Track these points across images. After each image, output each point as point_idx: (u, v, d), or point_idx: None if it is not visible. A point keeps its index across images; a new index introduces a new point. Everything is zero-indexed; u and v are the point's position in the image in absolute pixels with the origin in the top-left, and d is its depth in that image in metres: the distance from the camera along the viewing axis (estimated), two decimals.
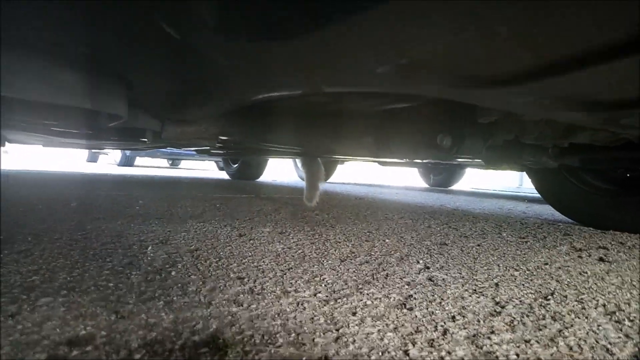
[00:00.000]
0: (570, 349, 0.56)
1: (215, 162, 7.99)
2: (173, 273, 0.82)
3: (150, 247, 1.03)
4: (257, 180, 5.05)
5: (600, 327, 0.64)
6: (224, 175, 5.85)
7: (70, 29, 0.57)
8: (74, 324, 0.56)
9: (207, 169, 10.14)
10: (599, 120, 0.77)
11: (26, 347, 0.48)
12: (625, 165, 1.74)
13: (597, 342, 0.58)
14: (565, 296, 0.80)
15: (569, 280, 0.92)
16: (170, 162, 11.08)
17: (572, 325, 0.64)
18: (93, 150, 9.31)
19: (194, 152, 4.60)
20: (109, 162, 9.88)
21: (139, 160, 9.43)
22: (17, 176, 3.45)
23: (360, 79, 0.61)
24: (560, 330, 0.62)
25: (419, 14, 0.40)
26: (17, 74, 0.55)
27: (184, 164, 11.55)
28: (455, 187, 6.05)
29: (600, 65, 0.48)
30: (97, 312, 0.60)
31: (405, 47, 0.48)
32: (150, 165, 10.17)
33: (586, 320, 0.67)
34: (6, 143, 3.49)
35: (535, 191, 2.21)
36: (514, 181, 7.52)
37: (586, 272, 1.00)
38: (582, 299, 0.78)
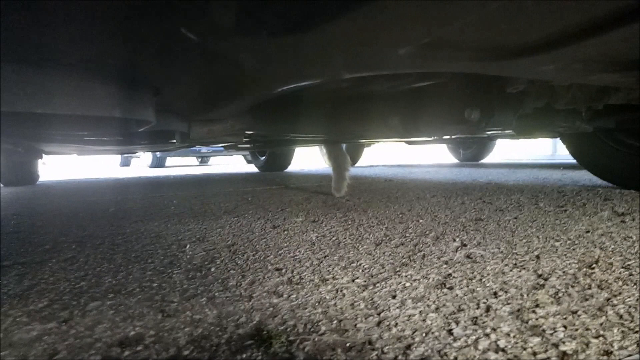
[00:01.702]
0: (621, 317, 0.54)
1: (243, 155, 8.07)
2: (212, 269, 0.84)
3: (188, 246, 1.06)
4: (286, 170, 5.08)
5: None
6: (252, 168, 5.91)
7: (97, 44, 0.58)
8: (123, 325, 0.58)
9: (235, 163, 10.26)
10: (635, 79, 0.73)
11: (80, 350, 0.50)
12: None
13: None
14: (611, 263, 0.77)
15: (613, 247, 0.89)
16: (199, 159, 11.26)
17: (620, 293, 0.62)
18: (125, 155, 9.56)
19: (222, 148, 4.65)
20: (141, 165, 10.12)
21: (169, 161, 9.64)
22: (56, 186, 3.58)
23: (383, 61, 0.60)
24: (608, 299, 0.60)
25: None
26: (50, 92, 0.57)
27: (212, 160, 11.72)
28: (487, 160, 5.92)
29: (630, 25, 0.45)
30: (144, 313, 0.62)
31: (428, 26, 0.47)
32: (181, 165, 10.37)
33: (635, 286, 0.65)
34: (43, 155, 3.63)
35: (570, 157, 2.14)
36: (547, 149, 7.30)
37: (631, 237, 0.96)
38: (629, 265, 0.76)
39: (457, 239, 1.02)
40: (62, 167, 8.56)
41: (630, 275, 0.70)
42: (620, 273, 0.72)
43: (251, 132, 1.36)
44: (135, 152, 5.59)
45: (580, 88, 1.17)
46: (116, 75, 0.66)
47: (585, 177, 2.52)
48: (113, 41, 0.57)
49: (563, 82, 0.93)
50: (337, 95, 1.20)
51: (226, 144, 3.23)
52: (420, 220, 1.29)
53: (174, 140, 1.17)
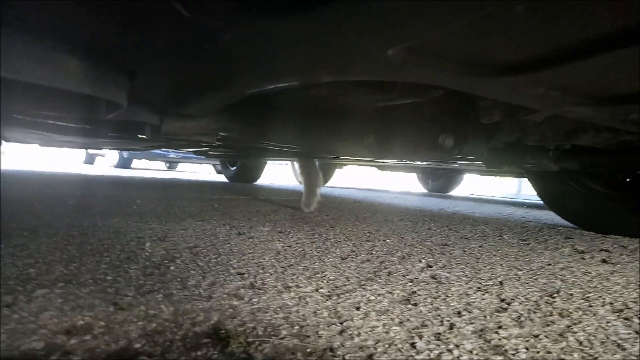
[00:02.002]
0: (581, 343, 0.54)
1: (213, 165, 7.97)
2: (172, 268, 0.81)
3: (148, 243, 1.02)
4: (255, 183, 5.03)
5: (609, 324, 0.62)
6: (222, 178, 5.83)
7: (74, 14, 0.56)
8: (72, 314, 0.54)
9: (204, 172, 10.10)
10: (606, 116, 0.76)
11: (23, 336, 0.46)
12: (625, 169, 1.74)
13: (607, 337, 0.57)
14: (571, 294, 0.78)
15: (573, 279, 0.91)
16: (167, 164, 11.04)
17: (580, 322, 0.63)
18: (90, 152, 9.26)
19: (192, 155, 4.58)
20: (106, 164, 9.84)
21: (136, 163, 9.40)
22: (14, 175, 3.42)
23: (371, 64, 0.59)
24: (568, 326, 0.61)
25: None
26: (18, 56, 0.54)
27: (181, 167, 11.51)
28: (454, 192, 6.04)
29: (611, 54, 0.47)
30: (95, 304, 0.58)
31: (412, 27, 0.47)
32: (147, 168, 10.14)
33: (594, 317, 0.66)
34: (2, 142, 3.47)
35: (535, 197, 2.21)
36: (512, 187, 7.51)
37: (590, 273, 0.98)
38: (588, 297, 0.77)
39: (423, 260, 1.02)
40: (22, 157, 8.22)
41: (589, 307, 0.71)
42: (580, 304, 0.73)
43: (224, 135, 1.34)
44: (101, 148, 5.42)
45: (550, 125, 1.21)
46: (91, 49, 0.63)
47: (548, 216, 2.59)
48: (92, 12, 0.54)
49: (540, 110, 0.96)
50: (315, 105, 1.19)
51: (197, 149, 3.17)
52: (388, 240, 1.29)
53: (144, 135, 1.13)
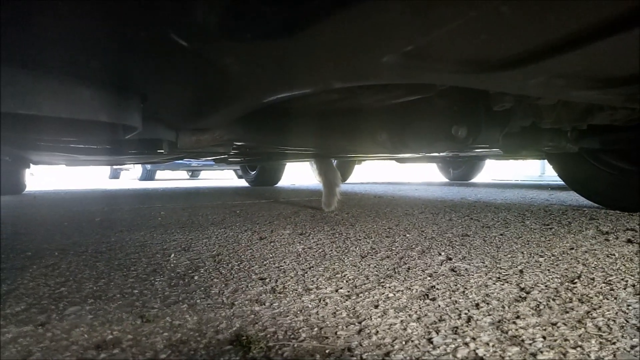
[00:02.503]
0: (599, 329, 0.54)
1: (234, 170, 8.06)
2: (196, 277, 0.84)
3: (172, 255, 1.05)
4: (276, 185, 5.08)
5: (629, 307, 0.62)
6: (243, 183, 5.90)
7: (83, 46, 0.59)
8: (101, 329, 0.57)
9: (226, 177, 10.24)
10: (615, 98, 0.75)
11: (55, 353, 0.49)
12: None
13: (627, 321, 0.57)
14: (593, 279, 0.78)
15: (596, 263, 0.90)
16: (189, 173, 11.22)
17: (600, 307, 0.63)
18: (115, 167, 9.50)
19: (212, 162, 4.65)
20: (130, 177, 10.06)
21: (159, 174, 9.58)
22: (43, 196, 3.54)
23: (369, 70, 0.61)
24: (588, 312, 0.61)
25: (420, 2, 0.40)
26: (33, 93, 0.57)
27: (203, 174, 11.68)
28: (476, 179, 5.97)
29: (609, 39, 0.47)
30: (123, 318, 0.61)
31: (409, 34, 0.48)
32: (171, 178, 10.32)
33: (615, 300, 0.65)
34: (31, 165, 3.59)
35: (558, 178, 2.17)
36: (535, 170, 7.37)
37: (614, 254, 0.97)
38: (610, 280, 0.77)
39: (443, 253, 1.02)
40: (50, 177, 8.48)
41: (611, 290, 0.71)
42: (601, 288, 0.72)
43: (240, 144, 1.36)
44: (124, 164, 5.55)
45: (565, 107, 1.19)
46: (103, 78, 0.66)
47: (572, 197, 2.55)
48: (100, 44, 0.57)
49: (547, 98, 0.95)
50: (325, 108, 1.21)
51: (216, 157, 3.23)
52: (407, 235, 1.29)
53: (162, 150, 1.17)
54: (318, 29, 0.47)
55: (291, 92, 0.74)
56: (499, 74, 0.60)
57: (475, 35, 0.48)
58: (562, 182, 2.15)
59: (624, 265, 0.87)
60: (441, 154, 2.95)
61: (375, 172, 9.05)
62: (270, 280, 0.81)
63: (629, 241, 1.13)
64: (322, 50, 0.54)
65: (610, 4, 0.44)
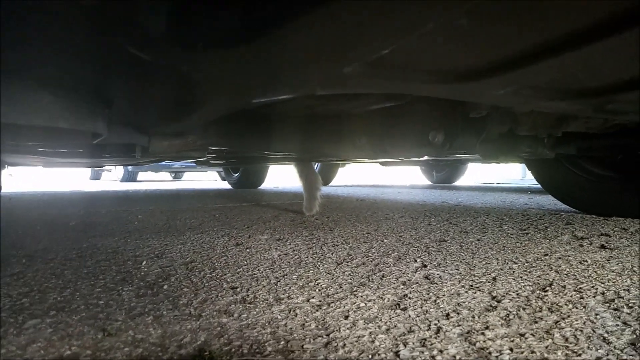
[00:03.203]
0: (566, 340, 0.54)
1: (217, 172, 8.00)
2: (165, 287, 0.82)
3: (144, 262, 1.02)
4: (259, 187, 5.05)
5: (597, 316, 0.62)
6: (226, 185, 5.85)
7: (41, 51, 0.57)
8: (59, 344, 0.55)
9: (209, 179, 10.15)
10: (585, 108, 0.75)
11: None
12: (622, 151, 1.72)
13: (593, 331, 0.57)
14: (564, 286, 0.78)
15: (568, 270, 0.90)
16: (172, 175, 11.10)
17: (569, 316, 0.63)
18: (95, 169, 9.35)
19: (195, 164, 4.61)
20: (112, 179, 9.91)
21: (141, 176, 9.47)
22: (19, 198, 3.46)
23: (331, 80, 0.60)
24: (556, 322, 0.60)
25: (374, 12, 0.39)
26: None
27: (186, 176, 11.57)
28: (459, 182, 6.02)
29: (571, 52, 0.47)
30: (85, 331, 0.59)
31: (368, 44, 0.47)
32: (153, 180, 10.20)
33: (584, 309, 0.65)
34: (7, 166, 3.51)
35: None
36: (517, 173, 7.47)
37: (586, 261, 0.98)
38: (580, 288, 0.77)
39: (419, 260, 1.02)
40: (29, 178, 8.30)
41: (580, 299, 0.71)
42: (571, 296, 0.72)
43: (215, 148, 1.35)
44: (103, 166, 5.46)
45: (540, 115, 1.20)
46: (62, 84, 0.64)
47: (551, 202, 2.58)
48: (56, 51, 0.55)
49: (518, 107, 0.96)
50: (304, 113, 1.20)
51: (198, 160, 3.19)
52: (385, 240, 1.29)
53: (135, 154, 1.15)
54: (270, 38, 0.45)
55: (257, 99, 0.72)
56: (466, 85, 0.59)
57: (437, 46, 0.48)
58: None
59: (595, 272, 0.88)
60: (422, 158, 2.97)
61: (359, 175, 9.07)
62: (241, 290, 0.79)
63: (602, 247, 1.14)
64: (278, 59, 0.53)
65: (575, 17, 0.44)
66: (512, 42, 0.47)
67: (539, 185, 2.66)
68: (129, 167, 7.78)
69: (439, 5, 0.38)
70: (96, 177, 10.42)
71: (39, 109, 0.60)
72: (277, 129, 1.29)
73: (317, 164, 4.81)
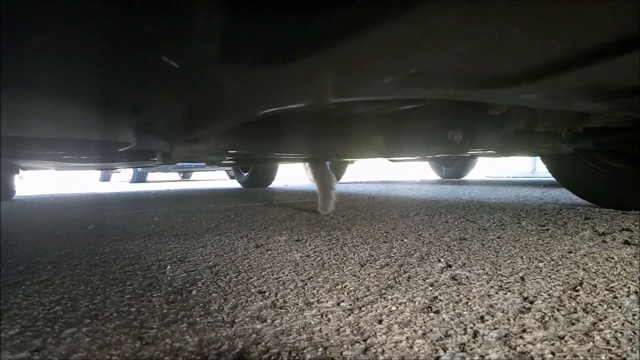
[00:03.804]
0: (608, 342, 0.54)
1: (226, 171, 8.03)
2: (194, 292, 0.82)
3: (169, 267, 1.03)
4: (269, 186, 5.05)
5: (635, 317, 0.62)
6: (235, 183, 5.87)
7: (75, 67, 0.57)
8: (100, 354, 0.55)
9: (218, 178, 10.18)
10: (615, 107, 0.74)
11: None
12: None
13: (634, 333, 0.56)
14: (595, 285, 0.77)
15: (596, 268, 0.90)
16: (181, 175, 11.15)
17: (605, 317, 0.62)
18: (105, 170, 9.40)
19: (204, 164, 4.62)
20: (121, 180, 9.97)
21: (150, 176, 9.51)
22: (33, 202, 3.49)
23: (368, 89, 0.60)
24: (594, 323, 0.60)
25: (427, 28, 0.39)
26: (25, 115, 0.55)
27: (195, 175, 11.61)
28: (468, 177, 6.00)
29: (610, 59, 0.46)
30: (122, 340, 0.60)
31: (413, 58, 0.47)
32: (162, 180, 10.25)
33: (619, 310, 0.65)
34: (20, 170, 3.54)
35: (549, 175, 2.18)
36: (527, 166, 7.42)
37: (613, 258, 0.97)
38: (612, 287, 0.76)
39: (442, 260, 1.01)
40: (40, 181, 8.37)
41: (614, 298, 0.70)
42: (604, 296, 0.72)
43: (234, 152, 1.35)
44: (115, 168, 5.50)
45: (561, 112, 1.19)
46: (94, 97, 0.64)
47: (565, 195, 2.56)
48: (90, 66, 0.55)
49: (548, 107, 0.95)
50: (320, 115, 1.20)
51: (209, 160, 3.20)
52: (405, 240, 1.29)
53: (156, 159, 1.15)
54: (320, 55, 0.45)
55: (287, 106, 0.73)
56: (500, 90, 0.59)
57: (478, 58, 0.47)
58: (553, 179, 2.16)
59: (624, 269, 0.87)
60: (438, 155, 2.96)
61: (368, 171, 9.06)
62: (270, 294, 0.79)
63: (626, 242, 1.13)
64: (322, 73, 0.53)
65: (610, 30, 0.43)
66: (550, 51, 0.47)
67: (550, 178, 2.63)
68: (139, 169, 7.82)
69: (491, 20, 0.37)
70: (106, 178, 10.50)
71: (71, 123, 0.61)
72: (294, 132, 1.29)
73: (327, 162, 4.80)
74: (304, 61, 0.47)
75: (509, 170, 7.30)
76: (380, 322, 0.64)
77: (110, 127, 0.67)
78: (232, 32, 0.45)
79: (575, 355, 0.51)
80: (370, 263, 1.01)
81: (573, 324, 0.60)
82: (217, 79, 0.57)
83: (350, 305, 0.72)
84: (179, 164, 6.55)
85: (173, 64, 0.50)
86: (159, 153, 1.13)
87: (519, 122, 1.24)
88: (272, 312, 0.70)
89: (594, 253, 1.03)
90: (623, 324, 0.60)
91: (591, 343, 0.54)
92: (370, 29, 0.38)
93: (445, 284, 0.82)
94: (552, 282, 0.81)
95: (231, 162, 2.82)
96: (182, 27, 0.43)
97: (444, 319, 0.64)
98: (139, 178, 8.44)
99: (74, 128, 0.61)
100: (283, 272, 0.95)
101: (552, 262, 0.95)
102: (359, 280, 0.87)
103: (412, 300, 0.73)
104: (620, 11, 0.39)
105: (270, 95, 0.66)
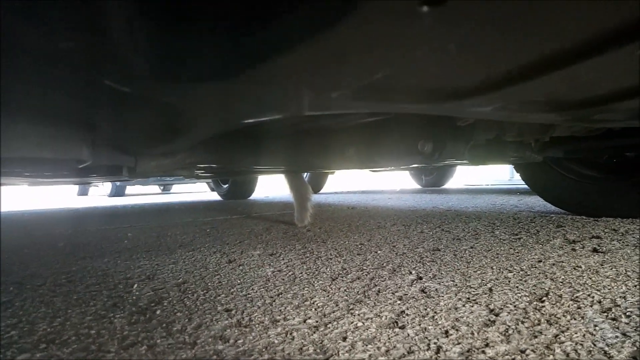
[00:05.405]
0: (567, 355, 0.54)
1: (207, 183, 7.96)
2: (158, 312, 0.80)
3: (135, 285, 1.00)
4: (250, 198, 5.02)
5: (596, 328, 0.62)
6: (215, 196, 5.81)
7: (22, 85, 0.55)
8: None
9: (199, 190, 10.08)
10: (571, 119, 0.76)
11: None
12: (609, 152, 1.74)
13: (594, 344, 0.56)
14: (560, 295, 0.78)
15: (563, 277, 0.90)
16: (161, 187, 11.01)
17: (568, 329, 0.62)
18: (82, 185, 9.23)
19: (183, 177, 4.57)
20: (99, 193, 9.79)
21: (130, 189, 9.37)
22: (4, 218, 3.40)
23: (317, 105, 0.59)
24: (556, 335, 0.60)
25: (367, 40, 0.39)
26: None
27: (175, 188, 11.49)
28: (448, 185, 6.05)
29: (557, 71, 0.47)
30: None
31: (356, 74, 0.46)
32: (142, 193, 10.10)
33: (582, 321, 0.65)
34: None
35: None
36: (505, 174, 7.53)
37: (580, 267, 0.98)
38: (577, 297, 0.77)
39: (414, 271, 1.01)
40: (14, 196, 8.17)
41: (578, 309, 0.71)
42: (569, 306, 0.72)
43: (204, 165, 1.33)
44: (91, 183, 5.40)
45: (527, 122, 1.21)
46: (43, 114, 0.63)
47: (540, 202, 2.60)
48: (35, 85, 0.54)
49: (505, 119, 0.96)
50: (291, 128, 1.19)
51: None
52: (379, 251, 1.28)
53: (122, 175, 1.13)
54: (258, 70, 0.45)
55: (246, 120, 0.72)
56: (452, 103, 0.59)
57: (425, 70, 0.47)
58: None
59: (590, 278, 0.88)
60: (411, 166, 2.98)
61: (349, 181, 9.08)
62: (236, 312, 0.78)
63: (595, 250, 1.15)
64: (265, 89, 0.53)
65: (562, 38, 0.44)
66: (499, 64, 0.47)
67: (526, 186, 2.68)
68: (117, 182, 7.69)
69: (429, 34, 0.37)
70: (84, 192, 10.31)
71: (22, 141, 0.59)
72: (265, 144, 1.28)
73: (306, 173, 4.80)
74: (243, 77, 0.46)
75: (488, 178, 7.40)
76: (344, 339, 0.63)
77: (60, 144, 0.65)
78: (163, 47, 0.44)
79: None
80: (342, 277, 1.00)
81: (535, 337, 0.60)
82: (159, 96, 0.57)
83: (317, 322, 0.71)
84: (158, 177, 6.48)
85: (109, 83, 0.49)
86: (124, 168, 1.11)
87: (488, 132, 1.26)
88: (236, 331, 0.68)
89: (562, 262, 1.04)
90: (584, 335, 0.60)
91: (551, 356, 0.54)
92: (306, 42, 0.38)
93: (414, 297, 0.82)
94: (519, 292, 0.81)
95: (206, 174, 2.80)
96: (104, 43, 0.42)
97: (408, 335, 0.64)
98: (118, 192, 8.30)
99: (24, 146, 0.59)
100: (252, 289, 0.93)
101: (521, 272, 0.96)
102: (328, 296, 0.86)
103: (379, 315, 0.72)
104: (558, 26, 0.40)
105: (222, 111, 0.65)
